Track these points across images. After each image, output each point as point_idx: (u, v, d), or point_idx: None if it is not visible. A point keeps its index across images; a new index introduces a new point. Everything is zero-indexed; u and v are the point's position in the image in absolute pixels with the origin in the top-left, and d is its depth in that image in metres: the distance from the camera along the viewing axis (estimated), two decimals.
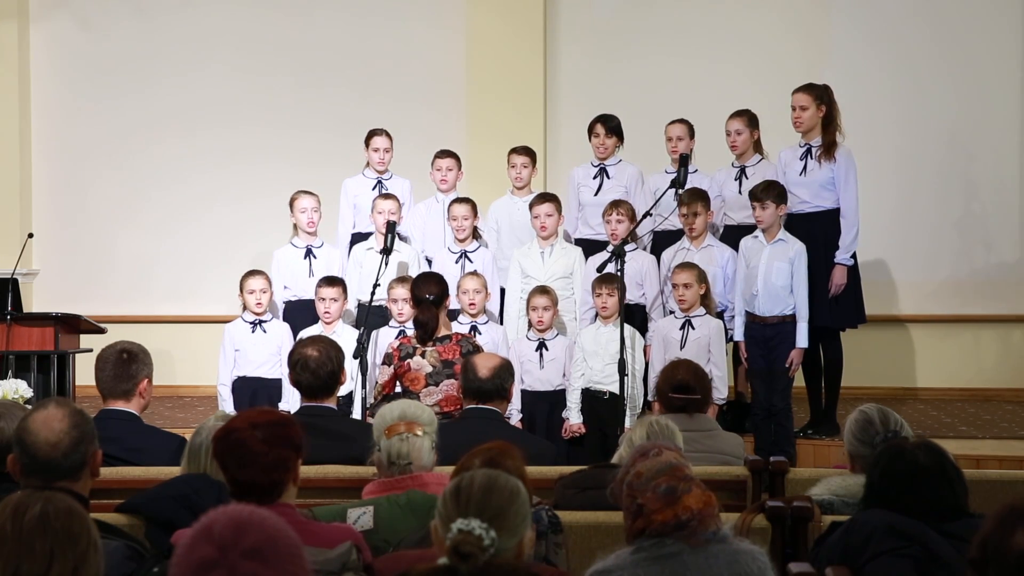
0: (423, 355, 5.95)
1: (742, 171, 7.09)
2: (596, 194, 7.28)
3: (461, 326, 6.55)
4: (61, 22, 9.84)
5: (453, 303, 6.58)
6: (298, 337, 6.50)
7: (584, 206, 7.35)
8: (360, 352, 6.22)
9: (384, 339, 6.67)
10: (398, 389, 6.00)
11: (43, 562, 2.08)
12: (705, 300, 6.51)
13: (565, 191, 7.55)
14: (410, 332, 6.32)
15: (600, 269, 6.45)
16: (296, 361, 4.63)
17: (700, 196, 6.81)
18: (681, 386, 4.81)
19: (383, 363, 6.15)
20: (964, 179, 9.12)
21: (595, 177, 7.33)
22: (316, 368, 4.59)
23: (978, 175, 9.13)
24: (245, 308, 6.93)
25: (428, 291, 6.05)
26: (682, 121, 7.29)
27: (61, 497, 2.20)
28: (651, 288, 6.87)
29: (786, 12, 9.25)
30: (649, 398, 6.25)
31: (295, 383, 4.68)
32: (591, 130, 7.36)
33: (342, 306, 6.80)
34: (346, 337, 6.33)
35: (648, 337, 6.72)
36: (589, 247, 7.09)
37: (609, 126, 7.30)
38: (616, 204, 6.89)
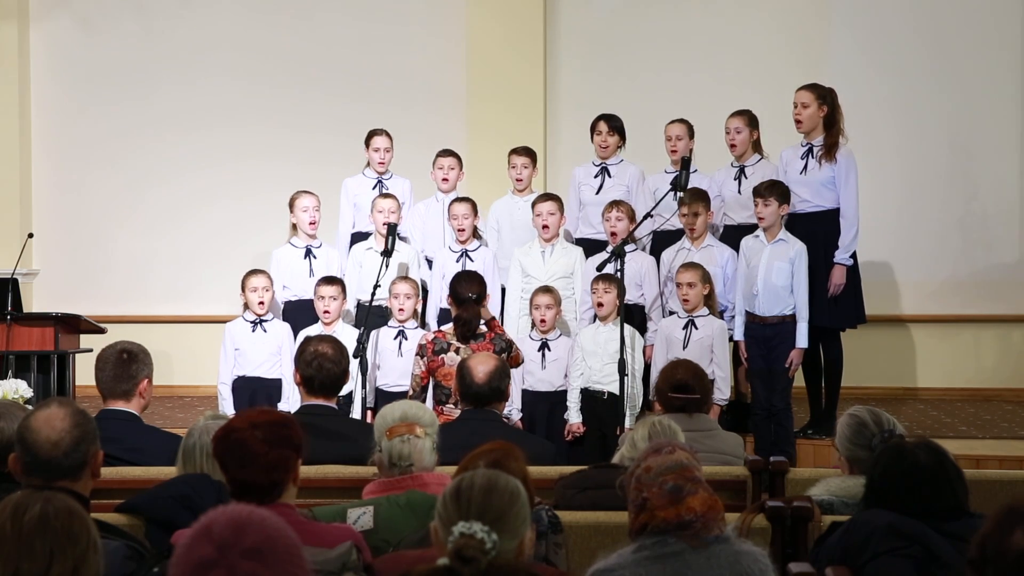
0: (457, 351, 6.02)
1: (742, 171, 7.09)
2: (597, 193, 7.28)
3: None
4: (61, 23, 9.84)
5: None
6: (301, 335, 6.50)
7: (585, 205, 7.35)
8: (360, 352, 6.24)
9: (384, 339, 6.69)
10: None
11: (43, 562, 2.08)
12: (709, 300, 6.52)
13: (566, 191, 7.55)
14: (446, 328, 6.36)
15: (600, 269, 6.46)
16: (312, 358, 4.60)
17: (701, 196, 6.81)
18: (681, 386, 4.81)
19: (416, 354, 6.21)
20: (964, 180, 9.13)
21: (596, 176, 7.33)
22: (331, 366, 4.58)
23: (978, 176, 9.13)
24: (246, 307, 6.92)
25: (471, 290, 6.20)
26: (682, 121, 7.28)
27: (61, 497, 2.20)
28: (650, 289, 6.87)
29: (785, 17, 9.25)
30: (649, 398, 6.25)
31: (306, 379, 4.63)
32: (594, 128, 7.36)
33: (341, 305, 6.80)
34: (346, 337, 6.33)
35: (649, 337, 6.73)
36: (590, 247, 7.09)
37: (612, 124, 7.30)
38: (615, 204, 6.89)
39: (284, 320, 7.07)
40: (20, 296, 8.08)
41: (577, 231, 7.41)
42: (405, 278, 6.78)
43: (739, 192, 7.06)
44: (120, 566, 2.81)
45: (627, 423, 6.10)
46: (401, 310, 6.65)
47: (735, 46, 9.25)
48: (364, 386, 6.42)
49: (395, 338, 6.69)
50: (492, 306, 6.95)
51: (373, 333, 6.63)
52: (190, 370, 9.22)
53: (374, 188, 7.57)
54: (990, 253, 9.14)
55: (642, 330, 6.75)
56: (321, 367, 4.58)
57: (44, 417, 2.96)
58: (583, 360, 6.50)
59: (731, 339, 6.75)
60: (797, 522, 3.57)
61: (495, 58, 9.24)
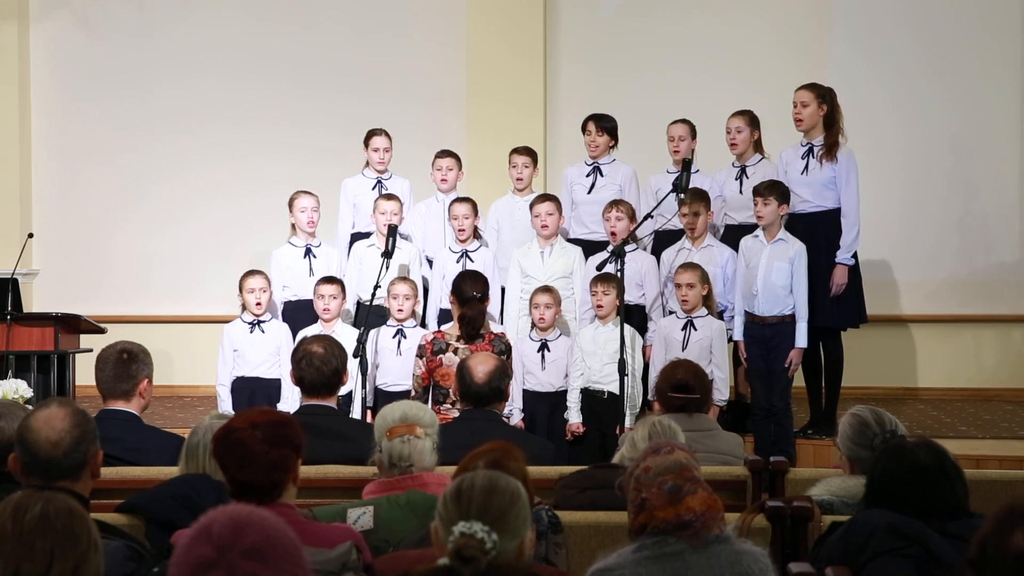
0: (455, 352, 6.02)
1: (743, 171, 7.09)
2: (589, 192, 7.27)
3: None
4: (61, 23, 9.84)
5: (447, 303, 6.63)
6: (299, 336, 6.51)
7: (577, 205, 7.35)
8: (359, 351, 6.24)
9: (383, 338, 6.68)
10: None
11: (43, 562, 2.08)
12: (707, 301, 6.51)
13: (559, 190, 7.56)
14: (445, 328, 6.38)
15: (600, 268, 6.45)
16: (301, 357, 4.62)
17: (701, 196, 6.81)
18: (681, 386, 4.81)
19: (417, 355, 6.22)
20: (964, 180, 9.13)
21: (588, 176, 7.33)
22: (320, 365, 4.58)
23: (978, 176, 9.13)
24: (244, 308, 6.92)
25: (475, 289, 6.26)
26: (684, 121, 7.27)
27: (61, 497, 2.20)
28: (651, 289, 6.87)
29: (786, 18, 9.25)
30: (649, 398, 6.25)
31: (298, 379, 4.66)
32: (584, 128, 7.36)
33: (341, 304, 6.80)
34: (345, 336, 6.34)
35: (648, 337, 6.73)
36: (584, 247, 7.08)
37: (601, 124, 7.29)
38: (615, 203, 6.90)
39: (284, 320, 7.07)
40: (20, 296, 8.08)
41: (570, 231, 7.41)
42: (404, 279, 6.78)
43: (740, 192, 7.05)
44: (120, 566, 2.81)
45: (627, 423, 6.10)
46: (400, 310, 6.65)
47: (736, 46, 9.24)
48: (364, 386, 6.42)
49: (393, 337, 6.69)
50: (491, 306, 6.97)
51: (372, 332, 6.63)
52: (190, 370, 9.22)
53: (373, 188, 7.57)
54: (990, 253, 9.14)
55: (642, 330, 6.74)
56: (310, 365, 4.59)
57: (44, 417, 2.96)
58: (583, 360, 6.50)
59: (730, 339, 6.75)
60: (797, 522, 3.57)
61: (495, 58, 9.24)
